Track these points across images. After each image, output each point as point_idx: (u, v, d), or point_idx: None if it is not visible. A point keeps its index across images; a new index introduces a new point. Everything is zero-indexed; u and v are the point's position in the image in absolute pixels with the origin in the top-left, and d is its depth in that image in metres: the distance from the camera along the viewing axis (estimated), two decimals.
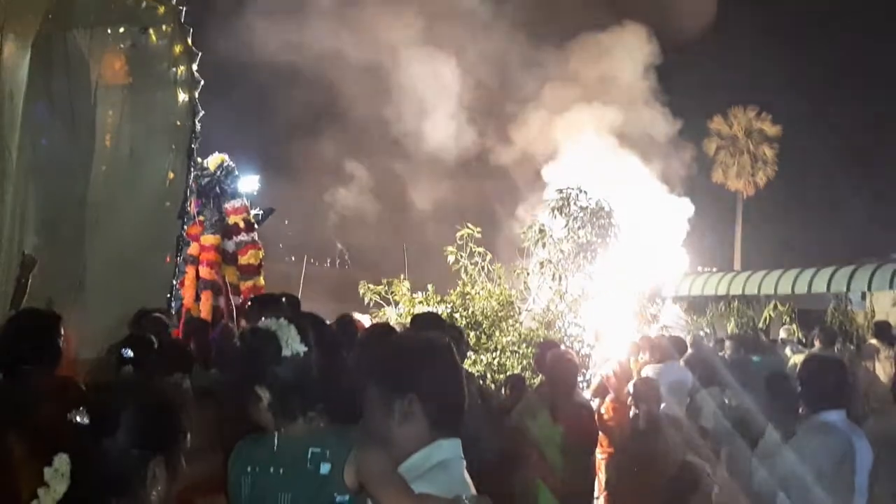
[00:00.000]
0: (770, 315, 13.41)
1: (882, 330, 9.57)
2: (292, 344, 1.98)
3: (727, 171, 34.87)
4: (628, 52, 20.35)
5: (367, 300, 11.52)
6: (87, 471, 1.76)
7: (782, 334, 11.72)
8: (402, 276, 11.56)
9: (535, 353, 8.04)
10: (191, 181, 8.39)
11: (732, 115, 35.16)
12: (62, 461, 1.75)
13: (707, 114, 34.57)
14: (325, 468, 1.92)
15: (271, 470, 1.99)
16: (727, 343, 9.93)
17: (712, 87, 34.46)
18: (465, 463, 1.85)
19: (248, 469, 2.03)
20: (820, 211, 34.35)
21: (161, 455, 1.83)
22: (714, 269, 18.88)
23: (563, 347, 8.36)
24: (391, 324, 6.48)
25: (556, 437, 5.11)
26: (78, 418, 1.80)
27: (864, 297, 13.89)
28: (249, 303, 5.79)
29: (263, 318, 2.08)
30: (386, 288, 11.45)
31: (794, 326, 12.26)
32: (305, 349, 2.00)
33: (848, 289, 12.25)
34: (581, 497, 5.42)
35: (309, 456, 1.95)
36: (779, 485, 3.88)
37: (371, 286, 11.58)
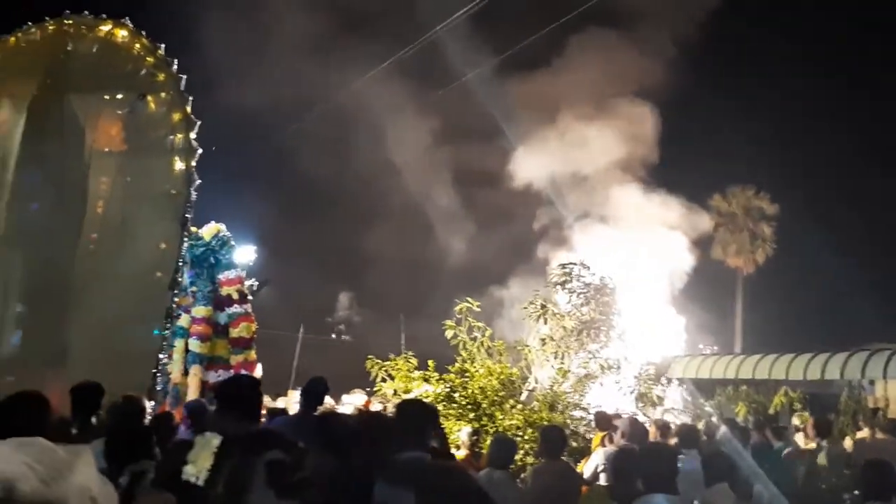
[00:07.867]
0: (781, 401, 12.92)
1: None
2: None
3: (727, 249, 34.76)
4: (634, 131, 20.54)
5: (373, 376, 10.96)
6: None
7: (795, 422, 11.23)
8: (404, 351, 11.09)
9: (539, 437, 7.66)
10: (183, 251, 8.09)
11: (731, 194, 35.29)
12: None
13: (706, 192, 34.64)
14: None
15: None
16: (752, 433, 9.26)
17: (710, 168, 34.55)
18: None
19: None
20: (821, 292, 33.89)
21: None
22: (714, 348, 18.45)
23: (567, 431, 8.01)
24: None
25: None
26: None
27: (872, 383, 13.44)
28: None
29: None
30: (394, 364, 10.94)
31: (807, 414, 11.79)
32: None
33: (862, 375, 11.79)
34: None
35: None
36: None
37: (379, 361, 11.06)
